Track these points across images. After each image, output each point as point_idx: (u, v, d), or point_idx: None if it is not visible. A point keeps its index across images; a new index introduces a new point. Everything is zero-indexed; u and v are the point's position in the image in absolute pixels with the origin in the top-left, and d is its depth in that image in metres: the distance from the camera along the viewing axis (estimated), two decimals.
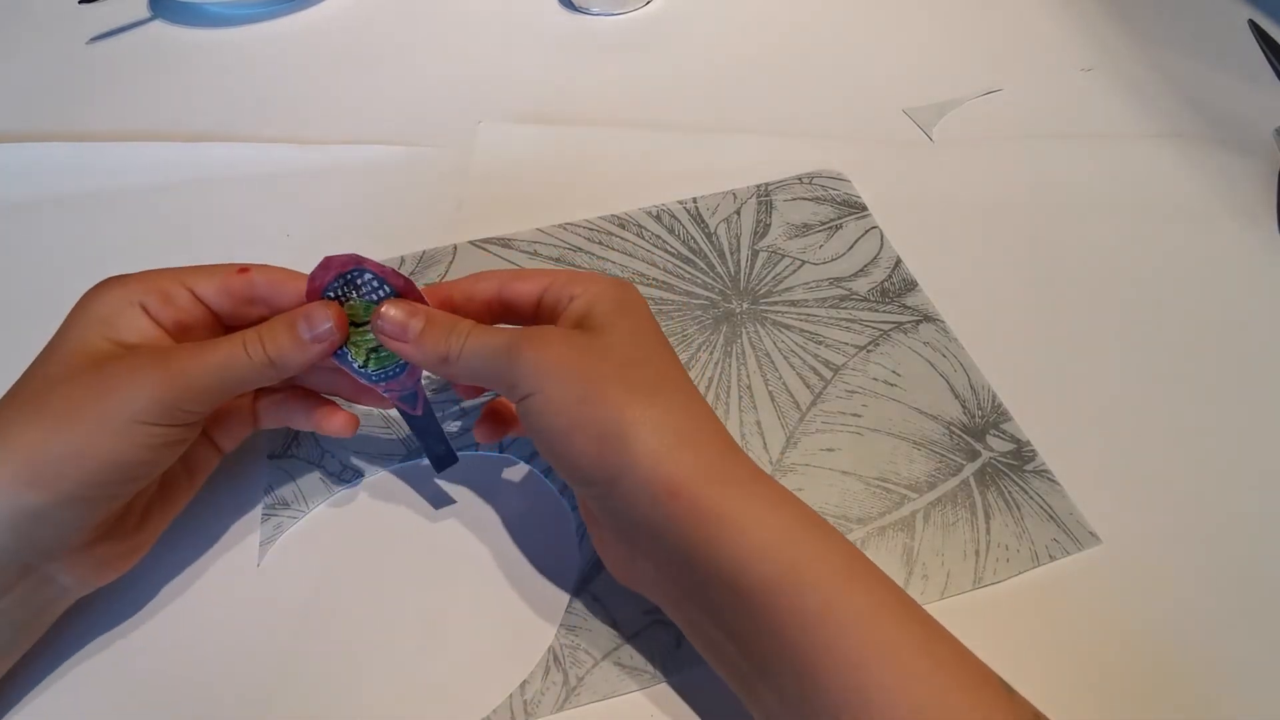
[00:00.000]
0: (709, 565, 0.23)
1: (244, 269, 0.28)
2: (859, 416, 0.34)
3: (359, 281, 0.28)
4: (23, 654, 0.27)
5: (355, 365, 0.28)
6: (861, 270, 0.39)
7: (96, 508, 0.25)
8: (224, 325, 0.29)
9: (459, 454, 0.32)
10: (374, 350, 0.29)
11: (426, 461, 0.32)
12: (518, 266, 0.39)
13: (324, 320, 0.27)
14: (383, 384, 0.29)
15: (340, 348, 0.28)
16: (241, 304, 0.28)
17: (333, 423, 0.30)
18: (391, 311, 0.27)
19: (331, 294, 0.28)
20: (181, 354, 0.26)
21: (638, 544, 0.26)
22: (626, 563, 0.27)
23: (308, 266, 0.28)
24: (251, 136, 0.47)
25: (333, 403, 0.31)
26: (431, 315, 0.28)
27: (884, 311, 0.38)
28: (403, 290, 0.28)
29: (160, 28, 0.55)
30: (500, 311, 0.30)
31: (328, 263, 0.27)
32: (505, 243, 0.41)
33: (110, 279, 0.28)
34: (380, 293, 0.28)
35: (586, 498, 0.27)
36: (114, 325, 0.26)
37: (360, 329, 0.28)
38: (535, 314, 0.29)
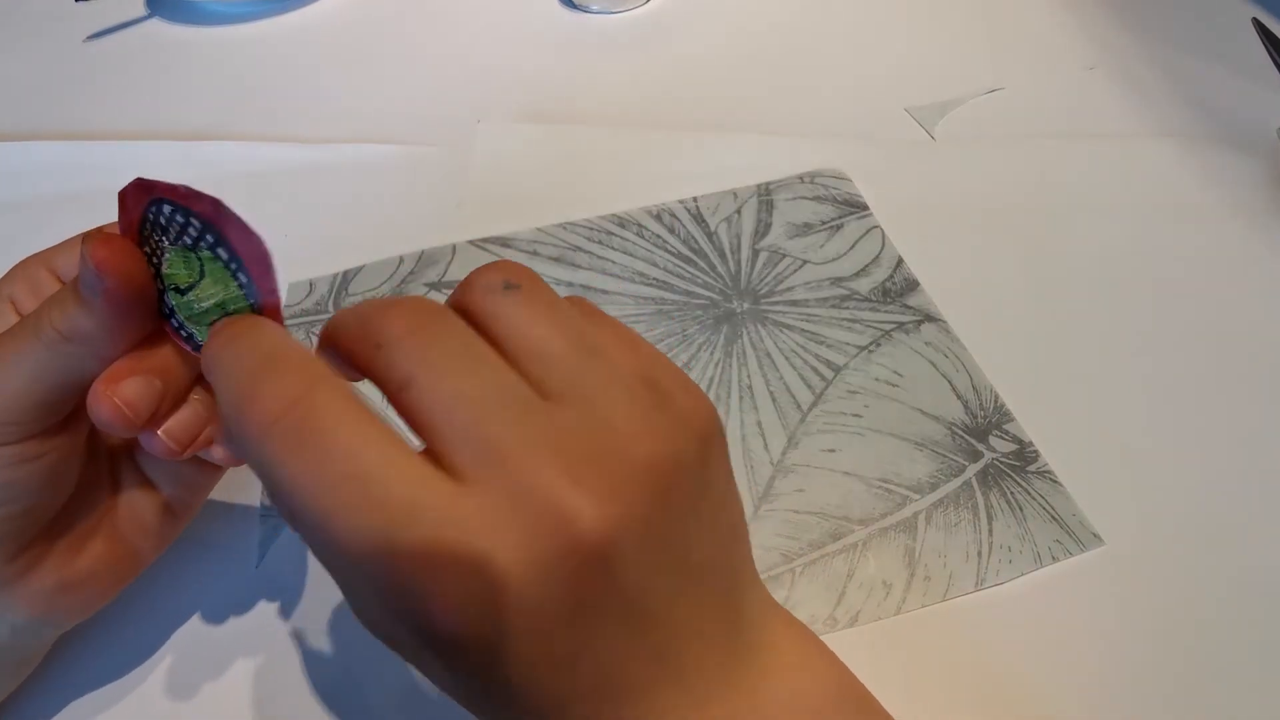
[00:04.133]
0: None
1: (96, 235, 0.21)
2: (860, 417, 0.34)
3: (163, 221, 0.20)
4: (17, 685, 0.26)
5: (200, 344, 0.21)
6: (863, 270, 0.39)
7: None
8: None
9: None
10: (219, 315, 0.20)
11: None
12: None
13: (86, 261, 0.20)
14: None
15: (174, 319, 0.21)
16: None
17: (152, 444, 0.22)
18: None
19: (147, 250, 0.21)
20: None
21: None
22: None
23: (305, 268, 0.27)
24: (249, 135, 0.47)
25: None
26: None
27: (885, 311, 0.37)
28: (211, 218, 0.19)
29: (157, 25, 0.55)
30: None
31: (122, 199, 0.20)
32: (505, 242, 0.41)
33: None
34: (190, 231, 0.20)
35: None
36: None
37: (192, 291, 0.21)
38: None
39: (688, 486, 0.18)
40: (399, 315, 0.18)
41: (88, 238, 0.20)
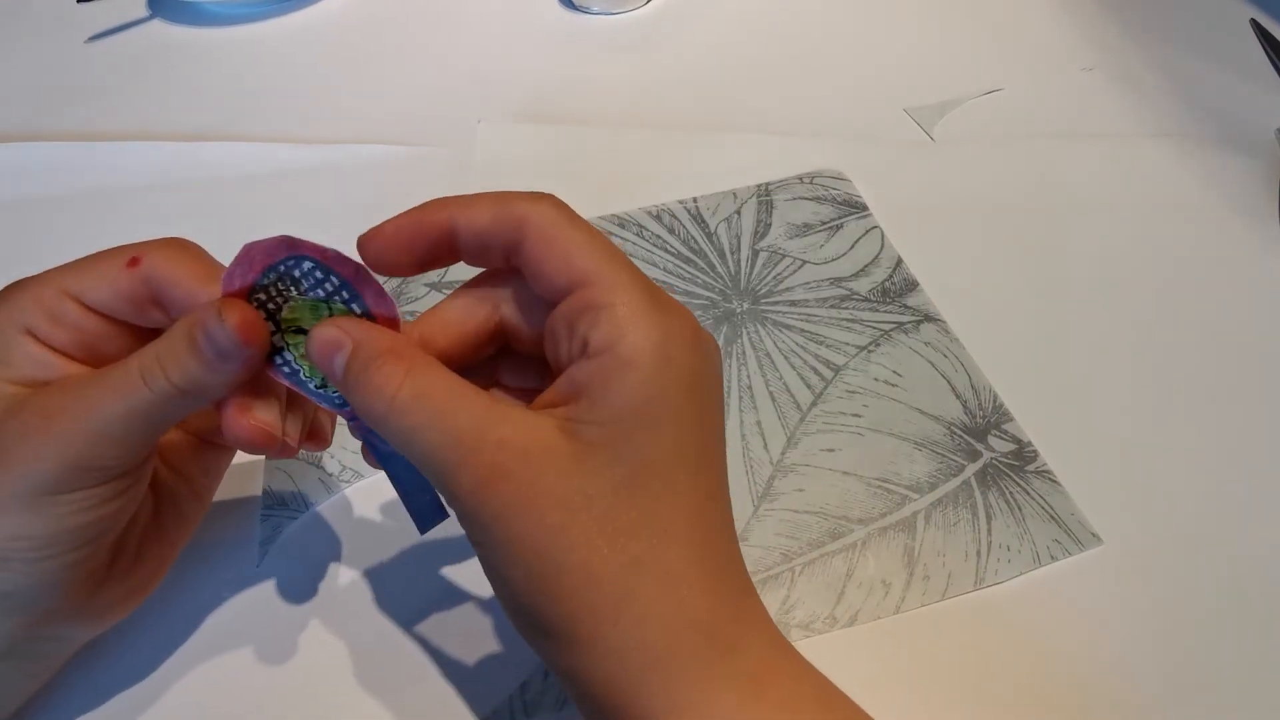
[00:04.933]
0: None
1: (134, 260, 0.22)
2: (860, 417, 0.34)
3: (297, 274, 0.21)
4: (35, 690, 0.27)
5: (309, 384, 0.22)
6: (862, 270, 0.39)
7: (61, 574, 0.22)
8: (145, 331, 0.23)
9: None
10: None
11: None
12: None
13: (215, 326, 0.20)
14: (346, 408, 0.22)
15: (277, 358, 0.22)
16: (144, 307, 0.22)
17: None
18: (320, 331, 0.21)
19: (263, 296, 0.22)
20: (71, 404, 0.21)
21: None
22: None
23: None
24: (250, 136, 0.47)
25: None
26: (366, 341, 0.20)
27: (885, 311, 0.38)
28: (354, 280, 0.21)
29: (159, 27, 0.55)
30: (499, 335, 0.23)
31: (249, 252, 0.21)
32: None
33: None
34: (327, 286, 0.21)
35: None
36: (8, 363, 0.22)
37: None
38: (541, 332, 0.22)
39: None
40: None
41: (225, 306, 0.21)
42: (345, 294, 0.22)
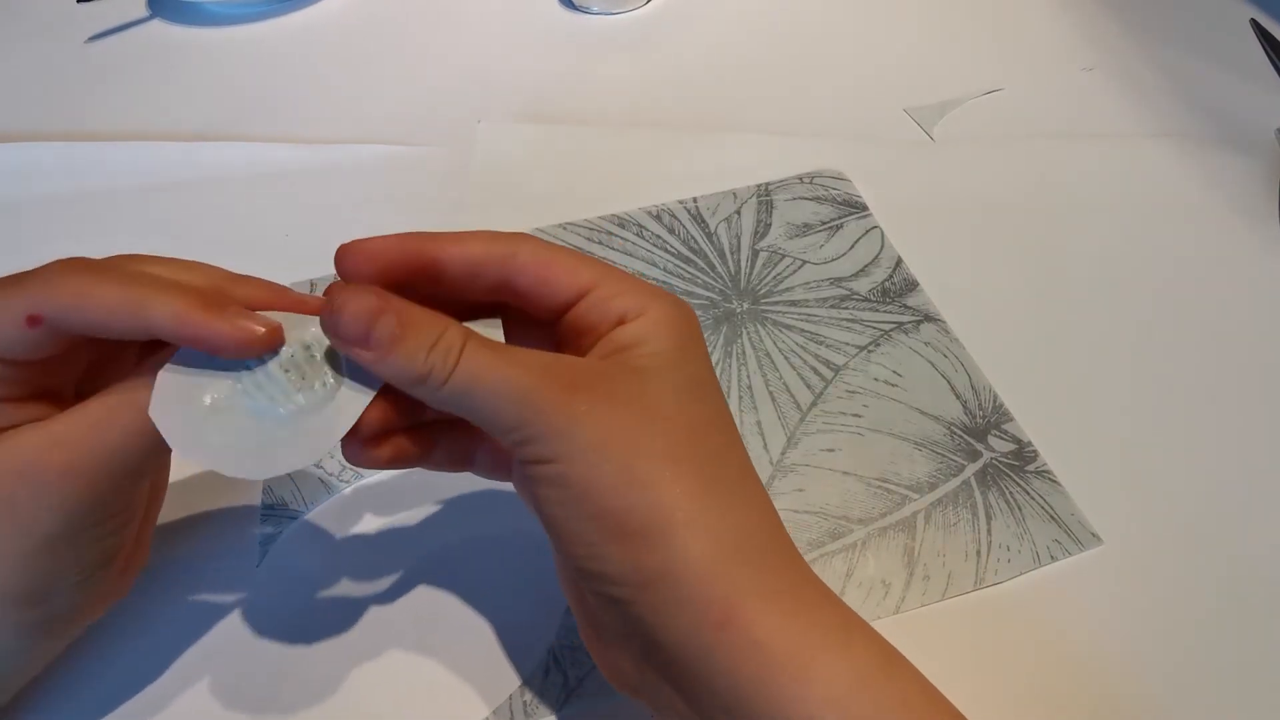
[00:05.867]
0: (758, 713, 0.19)
1: (33, 319, 0.20)
2: (860, 417, 0.34)
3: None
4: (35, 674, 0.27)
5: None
6: (862, 270, 0.39)
7: (97, 586, 0.24)
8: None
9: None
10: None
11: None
12: None
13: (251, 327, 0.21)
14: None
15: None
16: (67, 345, 0.21)
17: None
18: (355, 298, 0.20)
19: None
20: (73, 456, 0.20)
21: (657, 665, 0.20)
22: (635, 678, 0.22)
23: (306, 269, 0.27)
24: (251, 136, 0.47)
25: None
26: (408, 315, 0.20)
27: (885, 311, 0.38)
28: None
29: (159, 27, 0.55)
30: (504, 302, 0.23)
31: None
32: None
33: None
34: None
35: (596, 596, 0.21)
36: None
37: None
38: (558, 322, 0.23)
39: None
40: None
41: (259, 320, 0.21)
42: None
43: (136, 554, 0.26)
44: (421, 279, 0.22)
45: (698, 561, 0.19)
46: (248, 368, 0.21)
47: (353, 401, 0.22)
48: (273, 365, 0.21)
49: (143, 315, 0.20)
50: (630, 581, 0.20)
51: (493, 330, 0.23)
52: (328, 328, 0.20)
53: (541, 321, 0.23)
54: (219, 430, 0.21)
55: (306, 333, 0.22)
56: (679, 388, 0.21)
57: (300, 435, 0.21)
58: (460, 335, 0.20)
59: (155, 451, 0.21)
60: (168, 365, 0.21)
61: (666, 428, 0.20)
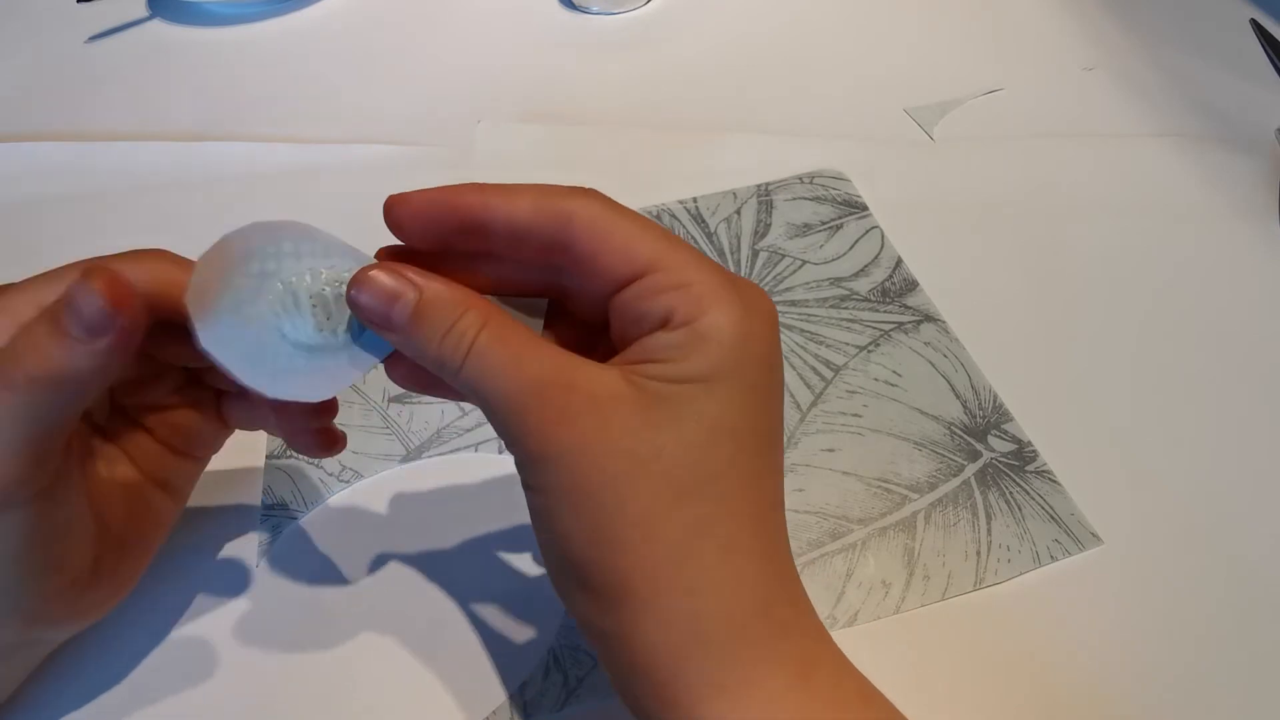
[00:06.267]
0: None
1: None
2: (859, 417, 0.34)
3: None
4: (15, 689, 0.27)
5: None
6: (862, 270, 0.39)
7: (37, 589, 0.22)
8: None
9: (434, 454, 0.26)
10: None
11: (425, 460, 0.29)
12: None
13: (87, 295, 0.18)
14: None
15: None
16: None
17: (308, 441, 0.24)
18: (377, 277, 0.20)
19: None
20: None
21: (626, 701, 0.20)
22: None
23: None
24: (251, 136, 0.47)
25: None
26: (431, 287, 0.20)
27: (885, 311, 0.38)
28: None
29: (159, 26, 0.55)
30: (561, 265, 0.21)
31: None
32: None
33: None
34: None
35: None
36: None
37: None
38: (611, 300, 0.20)
39: None
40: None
41: (91, 272, 0.19)
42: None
43: (120, 569, 0.25)
44: (470, 237, 0.21)
45: (645, 646, 0.18)
46: (282, 285, 0.21)
47: (363, 360, 0.22)
48: (303, 294, 0.22)
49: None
50: (588, 629, 0.19)
51: (533, 312, 0.22)
52: (350, 303, 0.20)
53: (600, 296, 0.21)
54: (241, 335, 0.21)
55: (343, 270, 0.22)
56: (699, 428, 0.18)
57: (314, 372, 0.22)
58: (476, 322, 0.19)
59: (21, 420, 0.19)
60: (200, 259, 0.21)
61: (655, 485, 0.18)
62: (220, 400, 0.27)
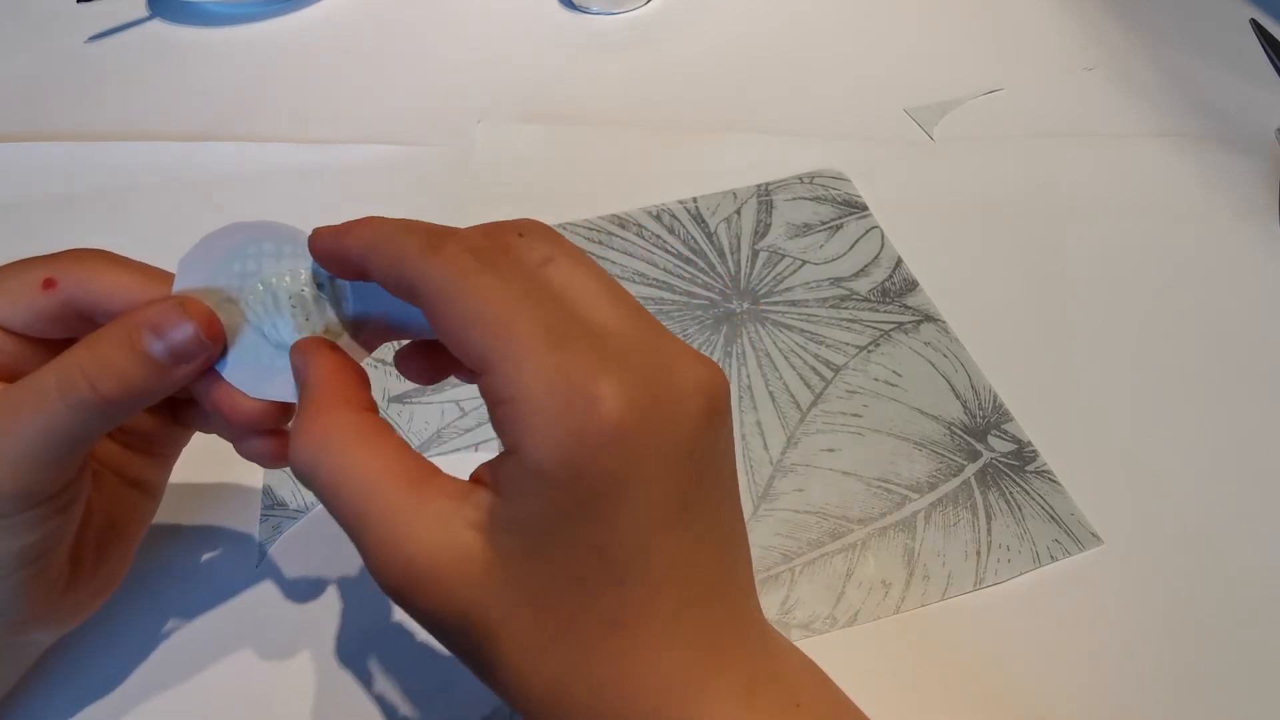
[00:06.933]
0: None
1: (49, 282, 0.20)
2: (859, 417, 0.34)
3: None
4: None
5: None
6: (862, 270, 0.39)
7: (20, 589, 0.21)
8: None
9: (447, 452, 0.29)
10: None
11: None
12: None
13: (179, 323, 0.19)
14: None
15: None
16: (67, 323, 0.21)
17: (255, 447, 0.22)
18: (294, 353, 0.21)
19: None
20: None
21: None
22: None
23: None
24: (251, 136, 0.47)
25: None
26: (308, 382, 0.20)
27: (885, 311, 0.38)
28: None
29: (159, 26, 0.55)
30: None
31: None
32: None
33: None
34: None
35: None
36: None
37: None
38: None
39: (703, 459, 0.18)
40: (529, 222, 0.20)
41: (185, 302, 0.20)
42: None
43: (101, 571, 0.25)
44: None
45: None
46: (263, 285, 0.22)
47: None
48: (283, 294, 0.22)
49: (152, 297, 0.21)
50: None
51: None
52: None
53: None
54: (225, 334, 0.21)
55: (299, 261, 0.22)
56: (535, 590, 0.17)
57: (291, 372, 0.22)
58: (322, 431, 0.19)
59: (68, 436, 0.20)
60: (183, 258, 0.21)
61: (513, 644, 0.17)
62: (172, 402, 0.25)
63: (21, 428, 0.19)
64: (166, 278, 0.22)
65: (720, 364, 0.36)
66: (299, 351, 0.21)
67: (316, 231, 0.21)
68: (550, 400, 0.16)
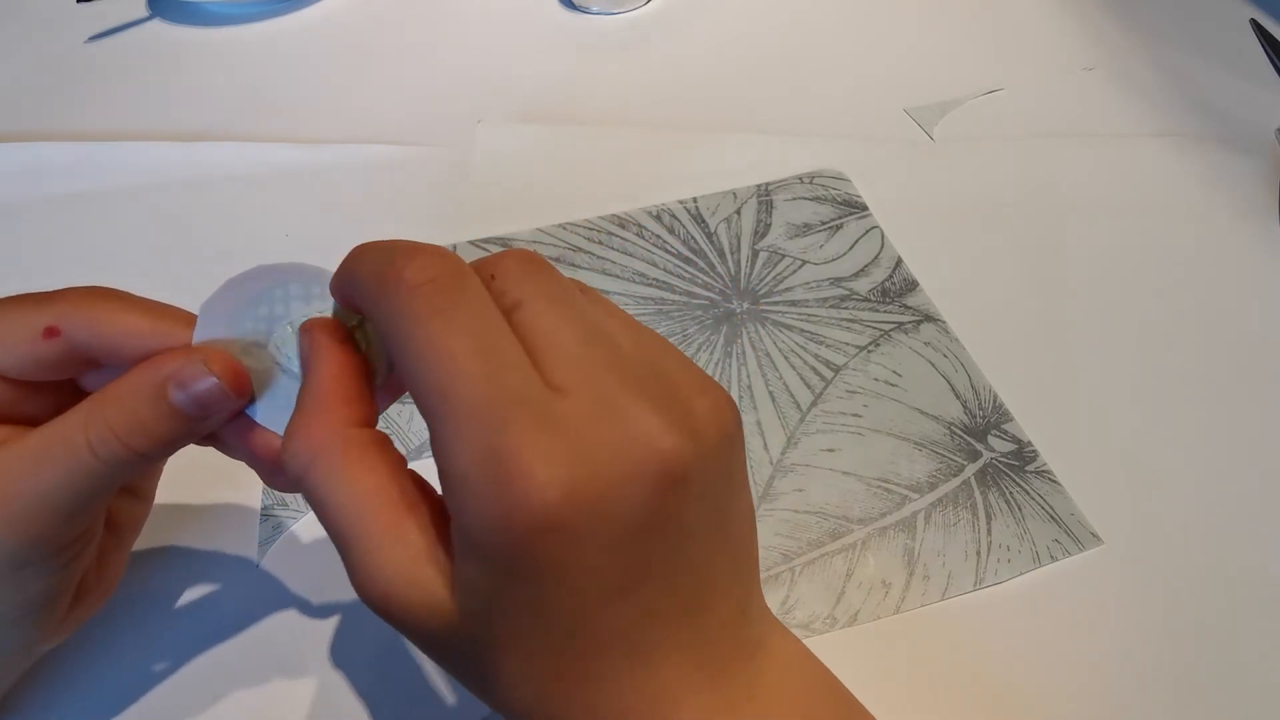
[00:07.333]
0: None
1: (50, 331, 0.20)
2: (860, 417, 0.34)
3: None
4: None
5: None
6: (862, 270, 0.39)
7: (37, 620, 0.22)
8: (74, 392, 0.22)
9: None
10: None
11: (425, 460, 0.29)
12: None
13: (201, 382, 0.19)
14: None
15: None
16: (70, 368, 0.21)
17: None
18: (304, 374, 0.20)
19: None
20: (9, 485, 0.19)
21: None
22: None
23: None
24: (250, 136, 0.47)
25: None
26: (302, 403, 0.19)
27: (885, 311, 0.38)
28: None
29: (159, 26, 0.55)
30: None
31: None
32: (505, 242, 0.41)
33: None
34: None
35: None
36: None
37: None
38: None
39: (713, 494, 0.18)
40: (510, 259, 0.19)
41: (209, 357, 0.20)
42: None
43: (99, 582, 0.25)
44: None
45: None
46: (291, 327, 0.22)
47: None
48: (290, 331, 0.22)
49: (167, 342, 0.20)
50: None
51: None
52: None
53: None
54: (252, 378, 0.21)
55: (328, 304, 0.22)
56: (494, 645, 0.17)
57: None
58: (309, 447, 0.19)
59: (97, 488, 0.20)
60: (206, 303, 0.21)
61: (502, 691, 0.18)
62: None
63: (52, 481, 0.19)
64: (179, 316, 0.21)
65: (720, 364, 0.36)
66: (307, 332, 0.20)
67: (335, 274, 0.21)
68: (483, 481, 0.16)
